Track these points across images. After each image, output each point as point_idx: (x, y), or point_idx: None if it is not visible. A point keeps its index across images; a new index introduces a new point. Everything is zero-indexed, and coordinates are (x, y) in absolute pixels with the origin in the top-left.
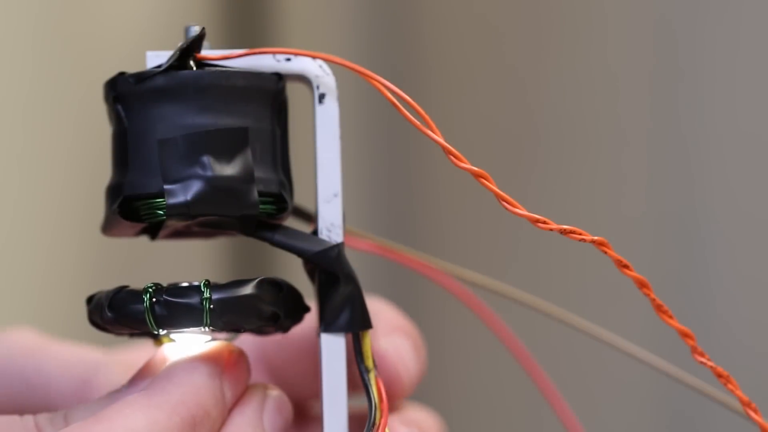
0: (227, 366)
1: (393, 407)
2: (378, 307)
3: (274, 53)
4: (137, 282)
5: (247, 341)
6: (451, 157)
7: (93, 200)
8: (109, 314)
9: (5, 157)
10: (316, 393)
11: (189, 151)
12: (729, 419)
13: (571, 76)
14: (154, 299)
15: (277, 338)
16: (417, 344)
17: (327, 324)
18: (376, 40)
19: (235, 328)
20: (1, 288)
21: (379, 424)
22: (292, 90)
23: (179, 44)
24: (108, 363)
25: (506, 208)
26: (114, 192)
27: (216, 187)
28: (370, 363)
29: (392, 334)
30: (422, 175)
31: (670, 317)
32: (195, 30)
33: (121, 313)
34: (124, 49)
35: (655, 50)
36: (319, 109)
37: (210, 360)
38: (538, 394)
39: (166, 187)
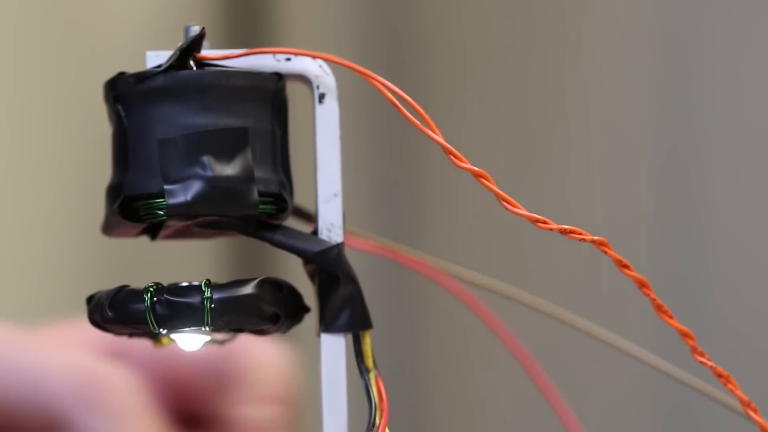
0: None
1: None
2: (260, 359)
3: (274, 53)
4: (137, 282)
5: (145, 359)
6: (451, 157)
7: (92, 200)
8: (109, 314)
9: (3, 157)
10: (224, 397)
11: (189, 151)
12: (729, 419)
13: (572, 75)
14: (155, 298)
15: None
16: (289, 411)
17: (327, 324)
18: (376, 40)
19: (236, 328)
20: (1, 288)
21: (379, 424)
22: (292, 90)
23: (179, 44)
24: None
25: (506, 208)
26: (114, 192)
27: (216, 187)
28: (370, 363)
29: (260, 402)
30: (422, 175)
31: (670, 317)
32: (195, 30)
33: (122, 312)
34: (124, 48)
35: (654, 48)
36: (319, 109)
37: None
38: (538, 394)
39: (166, 187)
